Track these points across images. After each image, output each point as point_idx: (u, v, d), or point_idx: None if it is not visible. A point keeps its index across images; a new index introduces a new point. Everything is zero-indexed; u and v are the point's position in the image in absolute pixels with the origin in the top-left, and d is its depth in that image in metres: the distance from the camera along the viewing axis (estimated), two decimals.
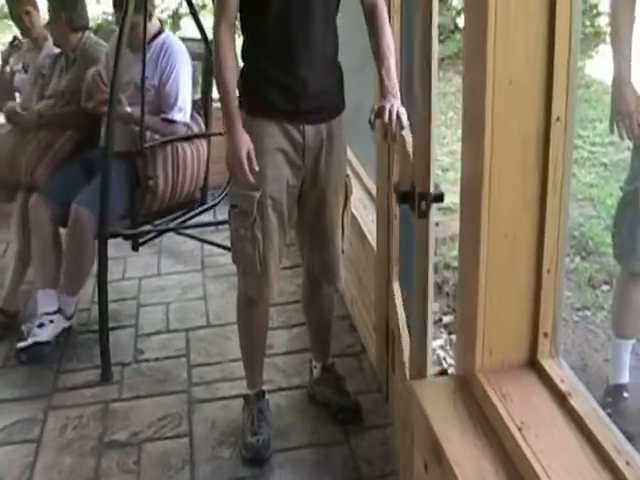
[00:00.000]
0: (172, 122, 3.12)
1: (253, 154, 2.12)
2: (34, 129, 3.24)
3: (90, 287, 3.31)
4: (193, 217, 3.39)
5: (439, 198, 1.61)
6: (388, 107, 2.03)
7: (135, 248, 3.26)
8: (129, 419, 2.63)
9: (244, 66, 2.25)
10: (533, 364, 1.47)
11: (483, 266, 1.42)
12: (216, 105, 3.21)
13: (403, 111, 2.04)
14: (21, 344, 3.00)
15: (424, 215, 1.61)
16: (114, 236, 3.00)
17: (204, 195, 3.42)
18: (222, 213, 2.82)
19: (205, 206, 3.44)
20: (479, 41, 1.36)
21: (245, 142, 2.12)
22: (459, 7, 8.74)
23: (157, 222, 3.24)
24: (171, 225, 3.32)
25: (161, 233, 3.44)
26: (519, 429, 1.32)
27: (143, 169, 3.01)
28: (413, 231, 1.76)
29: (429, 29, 1.55)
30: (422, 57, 1.60)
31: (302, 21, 2.15)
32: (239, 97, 2.20)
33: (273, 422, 2.49)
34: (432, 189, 1.59)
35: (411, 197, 1.63)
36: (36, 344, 2.98)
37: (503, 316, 1.44)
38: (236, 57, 2.22)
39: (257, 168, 2.13)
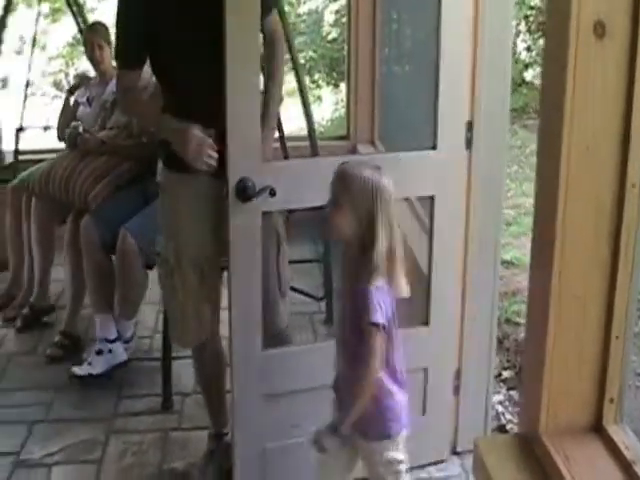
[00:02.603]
0: None
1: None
2: (94, 154, 3.29)
3: (153, 315, 3.37)
4: None
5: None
6: None
7: None
8: (187, 449, 2.66)
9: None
10: (598, 429, 1.46)
11: (552, 327, 1.43)
12: None
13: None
14: (75, 369, 3.00)
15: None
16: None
17: None
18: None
19: None
20: (557, 106, 1.38)
21: (191, 125, 2.04)
22: (527, 60, 8.72)
23: None
24: None
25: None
26: None
27: None
28: None
29: None
30: None
31: None
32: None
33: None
34: None
35: None
36: (89, 376, 2.99)
37: (569, 380, 1.44)
38: None
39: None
